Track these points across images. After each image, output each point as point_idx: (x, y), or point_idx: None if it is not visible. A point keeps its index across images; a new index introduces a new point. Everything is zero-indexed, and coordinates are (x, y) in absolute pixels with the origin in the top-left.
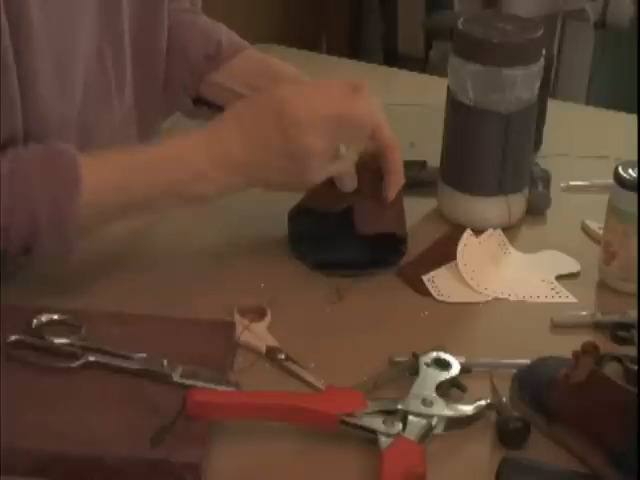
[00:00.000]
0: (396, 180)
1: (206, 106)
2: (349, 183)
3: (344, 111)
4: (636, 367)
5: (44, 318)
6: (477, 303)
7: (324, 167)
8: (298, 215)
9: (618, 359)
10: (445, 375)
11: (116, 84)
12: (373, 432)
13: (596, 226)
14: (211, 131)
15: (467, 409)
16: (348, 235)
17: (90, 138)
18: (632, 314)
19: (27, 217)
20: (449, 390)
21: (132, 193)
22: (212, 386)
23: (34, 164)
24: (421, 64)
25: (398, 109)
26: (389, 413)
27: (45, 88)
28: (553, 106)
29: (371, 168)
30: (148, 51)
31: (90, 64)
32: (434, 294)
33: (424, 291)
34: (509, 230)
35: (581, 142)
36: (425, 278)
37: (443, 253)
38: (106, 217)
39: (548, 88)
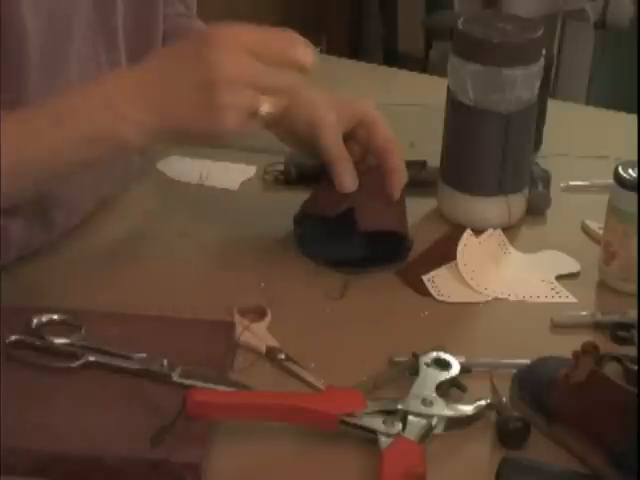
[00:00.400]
0: (399, 178)
1: None
2: (349, 184)
3: (269, 39)
4: (636, 367)
5: (44, 318)
6: (477, 303)
7: (239, 114)
8: (303, 219)
9: (618, 359)
10: (445, 375)
11: None
12: (373, 432)
13: (596, 226)
14: (124, 68)
15: (467, 409)
16: (357, 232)
17: None
18: (632, 314)
19: None
20: (449, 390)
21: (47, 143)
22: (212, 386)
23: None
24: (421, 64)
25: (398, 109)
26: (389, 413)
27: (36, 90)
28: (553, 106)
29: (371, 167)
30: (143, 49)
31: (85, 61)
32: (434, 294)
33: (424, 291)
34: (509, 230)
35: (581, 142)
36: (425, 278)
37: (443, 253)
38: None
39: (548, 88)
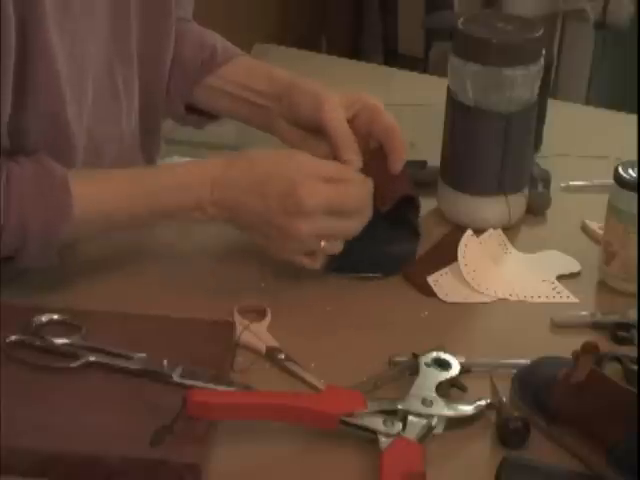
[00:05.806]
0: (401, 155)
1: (197, 113)
2: (355, 162)
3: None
4: (636, 367)
5: (44, 318)
6: (477, 303)
7: (298, 252)
8: None
9: (618, 359)
10: (445, 375)
11: (126, 103)
12: (373, 432)
13: (596, 226)
14: (222, 168)
15: (467, 409)
16: (363, 238)
17: (99, 156)
18: (632, 314)
19: (18, 235)
20: (449, 390)
21: (127, 213)
22: (212, 386)
23: (28, 187)
24: (421, 64)
25: (398, 109)
26: (389, 413)
27: (69, 113)
28: (553, 106)
29: (371, 150)
30: (154, 65)
31: (101, 84)
32: (440, 295)
33: (429, 292)
34: (509, 230)
35: (581, 142)
36: (430, 279)
37: (446, 254)
38: (92, 235)
39: (548, 88)
